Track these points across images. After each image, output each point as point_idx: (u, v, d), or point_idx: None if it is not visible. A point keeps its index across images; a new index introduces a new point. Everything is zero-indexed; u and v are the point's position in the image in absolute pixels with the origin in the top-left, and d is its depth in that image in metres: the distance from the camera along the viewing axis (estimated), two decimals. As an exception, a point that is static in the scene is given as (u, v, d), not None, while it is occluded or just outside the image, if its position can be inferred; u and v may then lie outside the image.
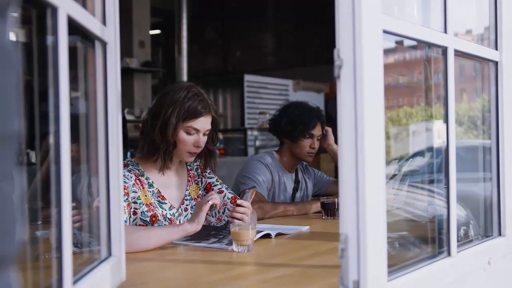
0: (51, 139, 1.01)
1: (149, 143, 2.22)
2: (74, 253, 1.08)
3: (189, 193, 2.37)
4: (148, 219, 2.19)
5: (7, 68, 0.58)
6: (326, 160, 6.40)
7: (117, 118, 1.41)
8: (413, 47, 1.74)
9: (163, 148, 2.20)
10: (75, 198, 1.09)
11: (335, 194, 2.97)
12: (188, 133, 2.21)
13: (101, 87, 1.37)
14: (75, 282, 1.11)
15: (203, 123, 2.23)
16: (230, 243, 1.94)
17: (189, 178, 2.40)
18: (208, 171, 2.44)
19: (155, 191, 2.25)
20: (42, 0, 0.96)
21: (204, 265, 1.75)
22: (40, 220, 1.79)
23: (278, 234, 2.22)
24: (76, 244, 1.34)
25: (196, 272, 1.69)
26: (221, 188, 2.42)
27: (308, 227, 2.41)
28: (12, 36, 0.61)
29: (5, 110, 0.58)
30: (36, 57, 1.07)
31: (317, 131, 3.04)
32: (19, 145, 0.61)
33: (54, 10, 1.00)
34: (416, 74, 2.03)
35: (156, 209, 2.22)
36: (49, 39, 1.02)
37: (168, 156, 2.23)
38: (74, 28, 1.12)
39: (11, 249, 0.59)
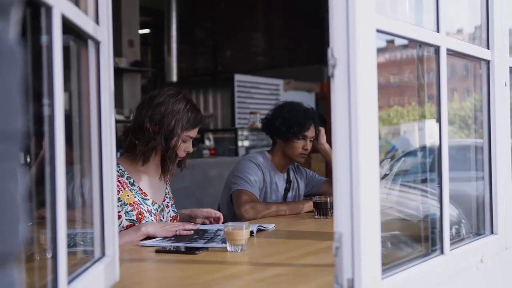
0: (46, 140, 1.01)
1: (151, 149, 2.30)
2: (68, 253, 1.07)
3: (168, 191, 2.49)
4: (134, 217, 2.25)
5: (10, 67, 0.59)
6: (317, 159, 6.42)
7: (110, 118, 1.40)
8: (404, 46, 1.74)
9: (169, 157, 2.32)
10: (66, 198, 1.09)
11: (327, 193, 2.97)
12: (184, 141, 2.34)
13: (94, 87, 1.37)
14: (69, 282, 1.10)
15: (197, 131, 2.40)
16: (224, 241, 1.94)
17: (167, 179, 2.51)
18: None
19: (137, 189, 2.33)
20: (36, -1, 0.95)
21: (197, 265, 1.75)
22: (31, 221, 1.78)
23: (259, 230, 2.28)
24: (69, 244, 1.34)
25: (189, 272, 1.68)
26: (171, 202, 2.54)
27: (273, 225, 2.43)
28: (15, 35, 0.61)
29: (9, 109, 0.59)
30: (29, 56, 1.06)
31: (310, 133, 3.04)
32: (20, 143, 0.62)
33: (49, 9, 1.00)
34: (407, 74, 2.04)
35: (141, 206, 2.29)
36: (43, 38, 1.02)
37: (172, 163, 2.36)
38: (67, 27, 1.12)
39: (15, 247, 0.60)
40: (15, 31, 0.61)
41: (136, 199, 2.29)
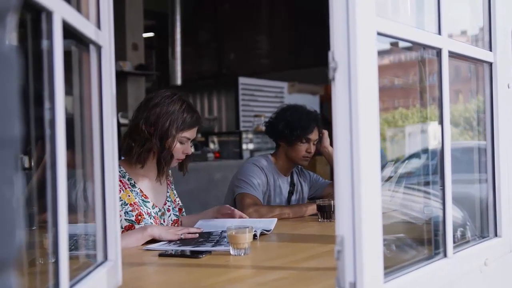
0: (47, 144, 1.01)
1: (147, 151, 2.30)
2: (69, 257, 1.07)
3: (169, 195, 2.49)
4: (133, 218, 2.26)
5: (7, 73, 0.59)
6: (322, 162, 6.40)
7: (112, 122, 1.40)
8: (408, 49, 1.74)
9: (164, 158, 2.31)
10: (70, 203, 1.09)
11: (331, 196, 2.97)
12: (181, 143, 2.34)
13: (96, 91, 1.37)
14: (71, 286, 1.10)
15: (194, 132, 2.39)
16: (228, 245, 1.94)
17: (168, 182, 2.52)
18: (172, 185, 2.58)
19: (138, 191, 2.33)
20: (37, 4, 0.95)
21: (201, 269, 1.75)
22: (35, 225, 1.79)
23: (262, 234, 2.28)
24: (71, 248, 1.34)
25: (193, 276, 1.68)
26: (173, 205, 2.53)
27: (275, 219, 2.46)
28: (12, 41, 0.62)
29: (6, 115, 0.59)
30: (30, 61, 1.07)
31: (314, 136, 3.03)
32: (18, 149, 0.62)
33: (49, 14, 1.00)
34: (411, 76, 2.04)
35: (141, 207, 2.30)
36: (44, 43, 1.02)
37: (167, 165, 2.35)
38: (68, 32, 1.12)
39: (12, 252, 0.60)
40: (12, 37, 0.62)
41: (136, 200, 2.30)
